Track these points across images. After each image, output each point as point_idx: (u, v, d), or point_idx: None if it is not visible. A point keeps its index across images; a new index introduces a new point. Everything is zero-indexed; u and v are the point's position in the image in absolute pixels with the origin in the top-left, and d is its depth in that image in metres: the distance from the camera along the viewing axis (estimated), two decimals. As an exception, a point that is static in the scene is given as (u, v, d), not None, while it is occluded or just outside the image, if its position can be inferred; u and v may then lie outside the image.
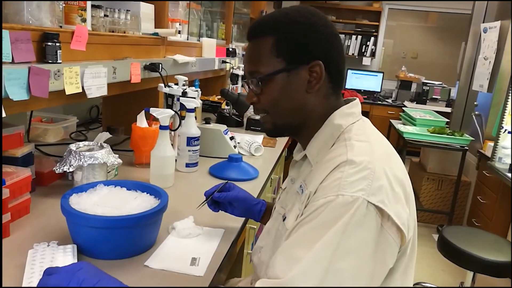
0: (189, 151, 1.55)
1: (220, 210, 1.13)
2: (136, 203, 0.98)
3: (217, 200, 1.09)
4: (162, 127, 1.37)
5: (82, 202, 0.95)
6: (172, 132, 1.66)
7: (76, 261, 0.86)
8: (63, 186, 1.31)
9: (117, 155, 1.46)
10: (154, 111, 1.37)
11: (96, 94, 1.32)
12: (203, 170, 1.60)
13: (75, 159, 1.21)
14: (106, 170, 1.29)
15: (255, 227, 1.46)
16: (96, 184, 1.06)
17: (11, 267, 0.84)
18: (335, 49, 0.83)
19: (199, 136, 1.56)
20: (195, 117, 1.60)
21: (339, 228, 0.66)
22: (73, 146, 1.25)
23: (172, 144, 1.60)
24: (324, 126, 0.83)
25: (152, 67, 1.62)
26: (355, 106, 0.87)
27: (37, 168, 1.28)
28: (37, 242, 0.93)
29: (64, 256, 0.85)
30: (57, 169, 1.20)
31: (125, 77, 1.47)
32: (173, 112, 1.39)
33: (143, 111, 1.53)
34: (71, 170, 1.20)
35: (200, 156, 1.73)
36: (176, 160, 1.58)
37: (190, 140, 1.53)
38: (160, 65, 1.66)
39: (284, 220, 0.84)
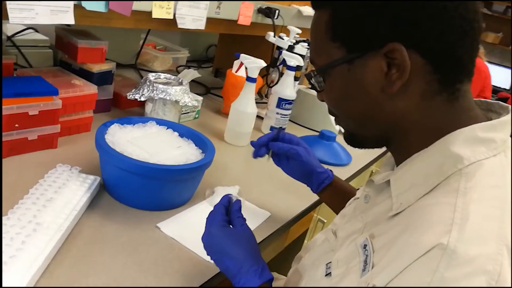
0: (277, 113, 1.35)
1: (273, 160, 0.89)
2: (174, 153, 0.85)
3: (275, 151, 0.84)
4: (248, 79, 1.20)
5: (119, 135, 0.85)
6: (269, 89, 1.48)
7: (87, 195, 0.77)
8: (137, 114, 1.26)
9: (201, 98, 1.36)
10: (244, 58, 1.20)
11: (191, 26, 1.19)
12: (289, 139, 1.40)
13: (148, 89, 1.13)
14: (179, 110, 1.19)
15: (325, 221, 1.23)
16: (148, 120, 0.95)
17: (29, 178, 0.78)
18: (442, 16, 0.49)
19: (293, 100, 1.35)
20: (296, 78, 1.39)
21: None
22: (151, 76, 1.17)
23: (267, 102, 1.43)
24: (432, 149, 0.52)
25: (267, 11, 1.43)
26: (502, 127, 0.52)
27: (117, 89, 1.25)
28: (72, 162, 0.87)
29: (79, 186, 0.77)
30: (129, 95, 1.13)
31: (231, 16, 1.32)
32: (265, 64, 1.20)
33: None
34: (142, 99, 1.12)
35: (292, 121, 1.54)
36: (263, 119, 1.41)
37: (281, 102, 1.34)
38: (277, 11, 1.46)
39: (327, 274, 0.58)
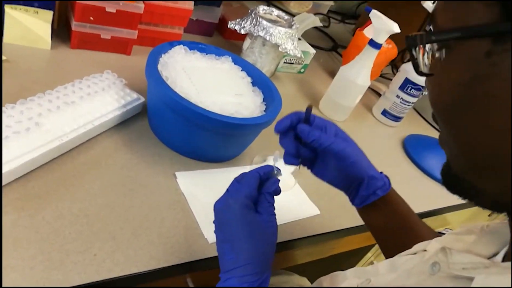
0: (397, 96, 1.08)
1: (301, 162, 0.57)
2: (228, 100, 0.69)
3: (306, 141, 0.53)
4: (371, 43, 0.94)
5: (177, 59, 0.72)
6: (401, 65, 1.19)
7: (117, 112, 0.67)
8: (237, 48, 1.12)
9: (313, 51, 1.15)
10: (374, 16, 0.94)
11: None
12: (399, 133, 1.12)
13: (251, 22, 0.97)
14: (278, 55, 1.02)
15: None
16: (225, 54, 0.81)
17: (72, 74, 0.71)
18: None
19: (423, 87, 1.05)
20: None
21: None
22: (261, 9, 1.00)
23: (391, 80, 1.16)
24: None
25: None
26: None
27: (227, 16, 1.12)
28: (130, 74, 0.79)
29: (114, 99, 0.68)
30: (230, 24, 1.00)
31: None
32: (397, 30, 0.92)
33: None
34: (241, 32, 0.98)
35: (416, 111, 1.24)
36: (380, 97, 1.15)
37: (407, 84, 1.05)
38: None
39: None
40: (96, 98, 0.67)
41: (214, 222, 0.48)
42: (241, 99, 0.71)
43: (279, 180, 0.52)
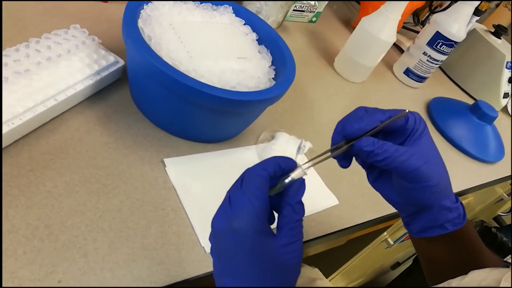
0: (424, 53, 0.92)
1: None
2: (228, 66, 0.54)
3: (370, 158, 0.38)
4: (402, -11, 0.78)
5: (164, 12, 0.57)
6: (430, 16, 1.03)
7: (90, 81, 0.53)
8: (238, -7, 0.95)
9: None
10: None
11: None
12: (423, 96, 0.98)
13: (255, -39, 0.79)
14: (287, 3, 0.85)
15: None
16: (224, 3, 0.65)
17: (29, 30, 0.57)
18: None
19: (457, 42, 0.89)
20: (478, 11, 0.90)
21: None
22: None
23: (418, 33, 1.00)
24: None
25: None
26: None
27: (225, -49, 0.93)
28: (108, 29, 0.64)
29: (85, 64, 0.53)
30: (229, -38, 0.82)
31: None
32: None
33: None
34: (243, -27, 0.81)
35: (442, 71, 1.09)
36: (402, 52, 1.00)
37: (437, 40, 0.90)
38: None
39: None
40: (60, 64, 0.52)
41: (210, 240, 0.36)
42: (245, 64, 0.57)
43: (304, 180, 0.38)
